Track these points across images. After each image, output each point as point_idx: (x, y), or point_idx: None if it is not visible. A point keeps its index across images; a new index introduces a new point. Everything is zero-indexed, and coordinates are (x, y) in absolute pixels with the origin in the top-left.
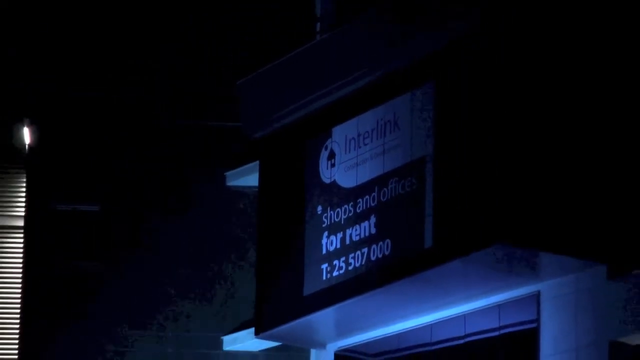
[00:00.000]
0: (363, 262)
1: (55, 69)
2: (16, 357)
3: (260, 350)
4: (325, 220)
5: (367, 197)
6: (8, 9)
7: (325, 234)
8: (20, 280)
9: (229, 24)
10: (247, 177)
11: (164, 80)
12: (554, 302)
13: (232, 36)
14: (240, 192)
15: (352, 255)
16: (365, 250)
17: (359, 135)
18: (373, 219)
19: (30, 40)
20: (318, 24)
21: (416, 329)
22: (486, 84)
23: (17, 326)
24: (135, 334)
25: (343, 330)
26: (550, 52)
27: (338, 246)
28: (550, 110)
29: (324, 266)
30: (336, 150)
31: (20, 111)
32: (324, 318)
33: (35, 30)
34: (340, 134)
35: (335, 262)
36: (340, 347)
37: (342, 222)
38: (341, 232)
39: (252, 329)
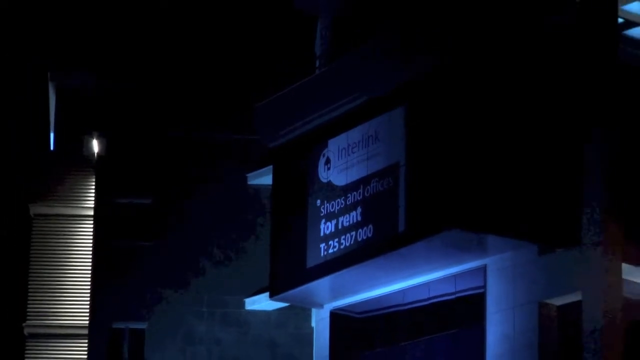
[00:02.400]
0: (352, 242)
1: (119, 94)
2: (88, 311)
3: (273, 309)
4: (322, 210)
5: (355, 192)
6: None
7: (323, 220)
8: (90, 255)
9: (252, 65)
10: (264, 177)
11: (204, 106)
12: (497, 273)
13: (254, 73)
14: (259, 189)
15: (343, 237)
16: (353, 233)
17: (348, 145)
18: (359, 210)
19: (98, 69)
20: (317, 61)
21: (392, 293)
22: (444, 109)
23: (88, 289)
24: (176, 296)
25: (336, 294)
26: (486, 92)
27: (332, 230)
28: (489, 129)
29: (322, 245)
30: (331, 157)
31: (90, 127)
32: (322, 285)
33: (102, 62)
34: (334, 144)
35: (331, 242)
36: (335, 307)
37: (336, 212)
38: (335, 220)
39: (267, 293)
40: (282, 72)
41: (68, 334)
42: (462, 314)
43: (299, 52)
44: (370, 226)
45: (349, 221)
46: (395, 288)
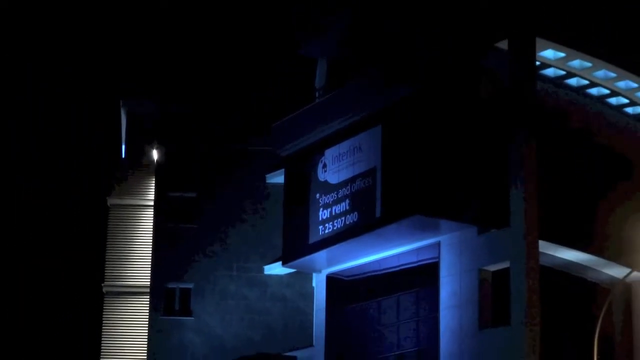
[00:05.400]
0: (342, 225)
1: (172, 116)
2: (149, 275)
3: (285, 274)
4: (320, 201)
5: (344, 188)
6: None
7: (321, 209)
8: (150, 233)
9: (270, 97)
10: (278, 177)
11: (234, 125)
12: (448, 247)
13: (271, 103)
14: (275, 186)
15: (336, 221)
16: (343, 218)
17: (340, 154)
18: (347, 201)
19: (157, 97)
20: (317, 92)
21: (371, 261)
22: (409, 128)
23: (150, 258)
24: (213, 263)
25: (331, 262)
26: (437, 116)
27: (328, 216)
28: (441, 143)
29: (320, 227)
30: (327, 163)
31: (150, 140)
32: (320, 256)
33: (162, 83)
34: (329, 153)
35: (326, 225)
36: (329, 272)
37: (330, 203)
38: (329, 208)
39: (281, 262)
40: (291, 101)
41: (135, 292)
42: (422, 277)
43: (303, 86)
44: (356, 213)
45: (340, 209)
46: (373, 258)
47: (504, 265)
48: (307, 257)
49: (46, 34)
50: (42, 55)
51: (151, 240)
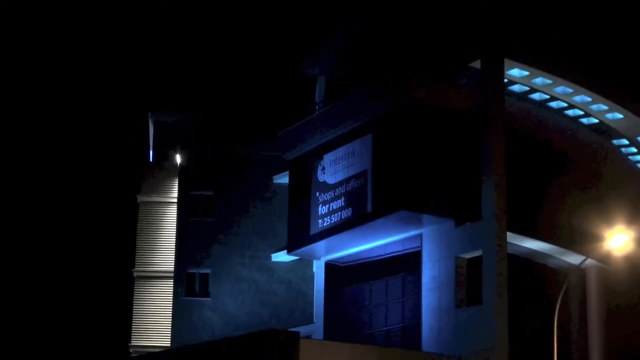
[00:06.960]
0: (338, 219)
1: (194, 125)
2: (173, 261)
3: (289, 260)
4: (320, 199)
5: (340, 188)
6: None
7: (320, 205)
8: (174, 226)
9: (277, 109)
10: (284, 178)
11: (246, 133)
12: (429, 238)
13: (278, 115)
14: (281, 185)
15: (333, 215)
16: (339, 213)
17: (336, 158)
18: (343, 198)
19: (180, 109)
20: (317, 105)
21: (363, 250)
22: (395, 136)
23: (174, 247)
24: (228, 252)
25: (329, 251)
26: (419, 126)
27: (326, 211)
28: (422, 148)
29: (320, 221)
30: (326, 166)
31: (174, 146)
32: (319, 245)
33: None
34: (327, 158)
35: (325, 219)
36: (328, 259)
37: (328, 200)
38: (328, 205)
39: (286, 250)
40: (295, 113)
41: (161, 276)
42: (407, 263)
43: (305, 100)
44: (350, 209)
45: (336, 206)
46: (365, 247)
47: (477, 253)
48: (309, 246)
49: (86, 53)
50: (83, 75)
51: (175, 232)
